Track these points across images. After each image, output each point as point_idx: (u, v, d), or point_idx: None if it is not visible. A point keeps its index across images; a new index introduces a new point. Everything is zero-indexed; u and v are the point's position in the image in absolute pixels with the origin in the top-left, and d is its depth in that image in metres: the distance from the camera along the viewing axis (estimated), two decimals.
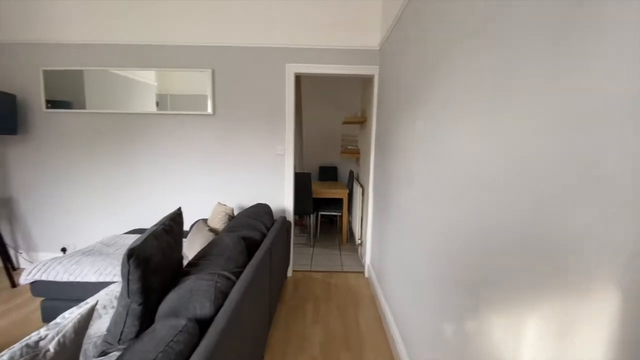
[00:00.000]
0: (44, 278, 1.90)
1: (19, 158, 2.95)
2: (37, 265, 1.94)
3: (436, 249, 1.30)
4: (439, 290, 1.26)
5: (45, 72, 2.82)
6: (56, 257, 2.03)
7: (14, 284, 2.66)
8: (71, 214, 3.00)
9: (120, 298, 1.21)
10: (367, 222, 3.12)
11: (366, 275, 3.07)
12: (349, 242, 4.14)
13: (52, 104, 2.86)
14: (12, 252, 3.04)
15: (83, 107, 2.85)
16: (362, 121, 3.94)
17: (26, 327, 2.10)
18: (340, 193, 3.97)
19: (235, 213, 2.80)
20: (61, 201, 2.99)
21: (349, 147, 4.58)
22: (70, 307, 1.95)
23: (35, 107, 2.88)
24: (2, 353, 1.21)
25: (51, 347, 0.74)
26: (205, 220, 2.47)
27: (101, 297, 1.62)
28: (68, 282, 1.91)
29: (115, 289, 1.68)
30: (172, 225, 1.49)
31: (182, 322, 1.03)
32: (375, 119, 2.88)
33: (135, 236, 2.54)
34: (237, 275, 1.52)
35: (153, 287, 1.25)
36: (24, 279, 1.89)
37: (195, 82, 2.84)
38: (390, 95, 2.26)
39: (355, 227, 3.82)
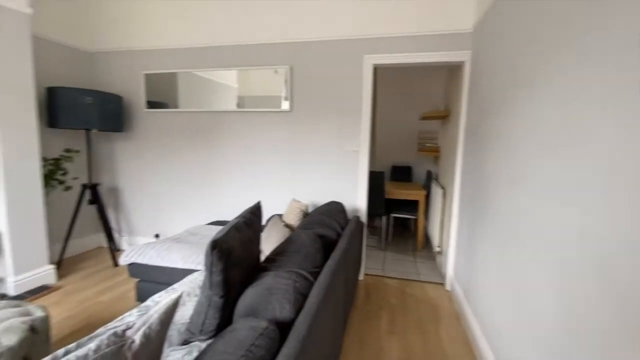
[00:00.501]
0: (139, 261, 2.07)
1: (124, 152, 3.36)
2: (133, 249, 2.13)
3: (585, 284, 0.99)
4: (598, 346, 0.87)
5: (146, 76, 3.14)
6: (150, 242, 2.21)
7: (116, 264, 3.03)
8: (163, 203, 3.31)
9: (202, 288, 1.20)
10: (449, 228, 2.78)
11: (448, 287, 2.73)
12: (425, 248, 3.79)
13: (151, 104, 3.18)
14: (115, 235, 3.48)
15: (176, 107, 3.11)
16: (444, 116, 3.57)
17: (123, 303, 2.33)
18: (416, 194, 3.66)
19: (309, 210, 2.74)
20: (156, 191, 3.31)
21: (427, 145, 4.22)
22: (160, 290, 2.09)
23: (137, 107, 3.24)
24: (95, 335, 1.30)
25: (137, 339, 0.71)
26: (280, 216, 2.46)
27: (185, 284, 1.67)
28: (159, 266, 2.05)
29: (198, 278, 1.73)
30: (252, 219, 1.45)
31: (263, 324, 0.95)
32: (465, 112, 2.54)
33: (217, 227, 2.66)
34: (314, 275, 1.41)
35: (233, 280, 1.21)
36: (122, 260, 2.09)
37: (271, 83, 2.88)
38: (493, 81, 1.93)
39: (433, 233, 3.48)
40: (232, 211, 3.12)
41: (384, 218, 3.80)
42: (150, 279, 2.11)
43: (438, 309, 2.41)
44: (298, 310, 1.10)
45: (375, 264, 3.26)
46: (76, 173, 3.19)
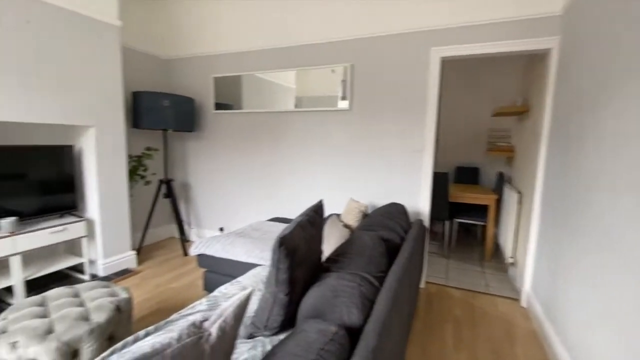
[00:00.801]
0: (206, 252, 2.19)
1: (194, 151, 3.62)
2: (202, 241, 2.26)
3: None
4: None
5: (215, 79, 3.35)
6: (216, 236, 2.33)
7: (185, 253, 3.27)
8: (228, 199, 3.49)
9: (267, 284, 1.20)
10: (527, 237, 2.48)
11: (524, 304, 2.43)
12: (494, 258, 3.45)
13: (218, 106, 3.38)
14: (185, 227, 3.77)
15: (240, 108, 3.26)
16: (522, 111, 3.20)
17: (192, 291, 2.50)
18: (485, 198, 3.34)
19: (369, 211, 2.65)
20: (221, 187, 3.51)
21: (498, 144, 3.84)
22: (225, 281, 2.19)
23: (207, 108, 3.47)
24: (170, 320, 1.38)
25: (213, 332, 0.71)
26: (338, 216, 2.42)
27: (249, 278, 1.71)
28: (224, 258, 2.15)
29: (261, 272, 1.76)
30: (316, 218, 1.42)
31: (332, 328, 0.90)
32: (551, 106, 2.23)
33: (277, 224, 2.72)
34: (379, 280, 1.33)
35: (298, 279, 1.20)
36: (192, 251, 2.24)
37: (328, 83, 2.87)
38: (595, 70, 1.65)
39: (505, 242, 3.14)
40: (290, 209, 3.17)
41: (446, 223, 3.55)
42: (216, 270, 2.22)
43: (512, 327, 2.15)
44: (366, 317, 1.04)
45: (437, 271, 3.05)
46: (154, 169, 3.53)
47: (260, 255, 2.06)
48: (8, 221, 2.09)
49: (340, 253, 1.48)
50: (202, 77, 3.45)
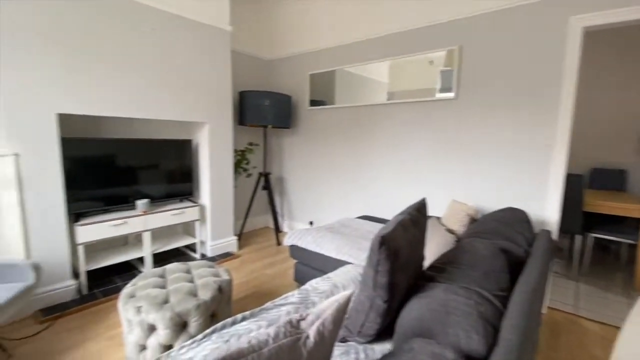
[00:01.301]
0: (298, 244, 2.21)
1: (289, 146, 3.77)
2: (295, 232, 2.30)
3: None
4: None
5: (311, 76, 3.41)
6: (308, 229, 2.34)
7: (279, 243, 3.43)
8: (318, 193, 3.53)
9: (363, 286, 1.08)
10: None
11: None
12: None
13: (313, 102, 3.43)
14: (279, 218, 3.96)
15: (333, 103, 3.24)
16: None
17: (283, 280, 2.57)
18: (636, 210, 2.56)
19: (478, 216, 2.30)
20: (313, 182, 3.57)
21: None
22: (314, 274, 2.17)
23: (302, 105, 3.56)
24: (264, 308, 1.38)
25: (311, 335, 0.63)
26: (438, 218, 2.15)
27: (339, 275, 1.63)
28: (314, 252, 2.13)
29: (352, 271, 1.67)
30: (418, 217, 1.24)
31: (449, 355, 0.73)
32: None
33: (366, 222, 2.60)
34: (501, 300, 1.08)
35: (398, 285, 1.05)
36: (285, 241, 2.29)
37: (424, 76, 2.61)
38: None
39: None
40: (379, 207, 3.01)
41: (576, 237, 2.86)
42: (306, 263, 2.22)
43: None
44: (490, 347, 0.82)
45: (563, 296, 2.47)
46: (255, 163, 3.81)
47: (349, 253, 1.97)
48: (143, 202, 2.50)
49: (447, 261, 1.26)
50: (299, 74, 3.55)
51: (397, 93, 2.79)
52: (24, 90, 1.90)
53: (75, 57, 2.06)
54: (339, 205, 3.35)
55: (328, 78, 3.28)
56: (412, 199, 2.79)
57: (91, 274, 2.50)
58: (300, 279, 2.27)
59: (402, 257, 1.04)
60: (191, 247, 3.11)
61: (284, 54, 3.67)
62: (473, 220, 1.98)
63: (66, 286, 2.14)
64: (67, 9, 2.00)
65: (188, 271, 1.78)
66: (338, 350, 1.11)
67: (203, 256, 3.00)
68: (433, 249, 1.71)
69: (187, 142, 2.85)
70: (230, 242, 3.16)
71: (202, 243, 3.06)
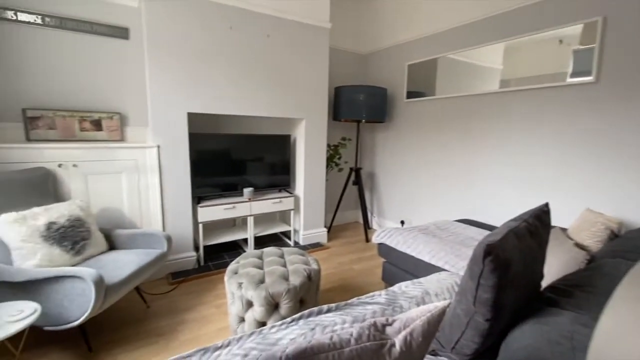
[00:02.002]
0: (387, 243, 2.13)
1: (382, 141, 3.67)
2: (384, 230, 2.22)
3: None
4: None
5: (410, 67, 3.22)
6: (398, 228, 2.23)
7: (367, 239, 3.39)
8: (411, 191, 3.34)
9: (460, 298, 0.96)
10: None
11: None
12: None
13: (410, 94, 3.25)
14: (369, 215, 3.92)
15: (433, 94, 3.00)
16: None
17: (370, 277, 2.53)
18: None
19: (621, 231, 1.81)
20: (405, 179, 3.40)
21: None
22: (403, 276, 2.06)
23: (398, 98, 3.41)
24: (349, 303, 1.37)
25: (397, 344, 0.58)
26: (563, 230, 1.77)
27: (432, 282, 1.50)
28: (404, 253, 2.02)
29: (447, 279, 1.51)
30: (537, 227, 1.03)
31: None
32: None
33: (467, 227, 2.33)
34: None
35: (506, 303, 0.89)
36: (374, 239, 2.24)
37: (550, 59, 2.14)
38: None
39: None
40: (484, 211, 2.66)
41: None
42: (395, 263, 2.13)
43: None
44: None
45: None
46: (347, 158, 3.85)
47: (445, 259, 1.79)
48: (249, 190, 2.79)
49: (575, 284, 1.02)
50: (396, 66, 3.41)
51: (513, 80, 2.40)
52: (164, 94, 2.33)
53: (199, 65, 2.42)
54: (433, 205, 3.10)
55: (428, 67, 3.05)
56: (527, 205, 2.37)
57: (206, 249, 2.94)
58: (388, 279, 2.19)
59: (512, 271, 0.88)
60: (286, 234, 3.34)
61: (380, 46, 3.56)
62: (614, 236, 1.55)
63: (189, 257, 2.57)
64: (194, 24, 2.36)
65: (281, 256, 1.91)
66: None
67: (296, 244, 3.19)
68: (555, 267, 1.41)
69: (286, 137, 3.05)
70: (320, 234, 3.27)
71: (296, 231, 3.26)
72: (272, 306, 1.56)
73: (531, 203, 2.35)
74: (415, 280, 1.52)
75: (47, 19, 2.24)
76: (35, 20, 2.21)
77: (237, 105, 2.62)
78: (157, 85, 2.29)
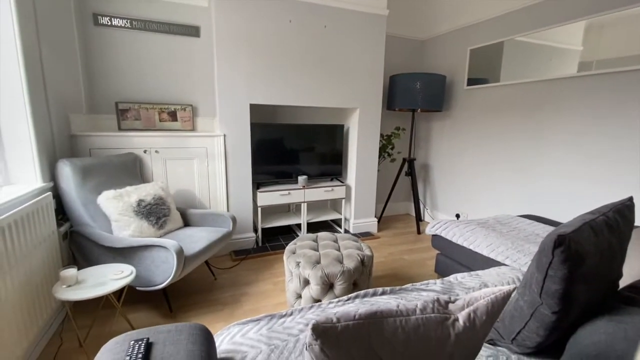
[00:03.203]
0: (442, 235, 2.10)
1: (439, 131, 3.54)
2: (439, 222, 2.18)
3: None
4: None
5: (472, 52, 3.04)
6: (453, 220, 2.18)
7: (419, 231, 3.33)
8: (469, 184, 3.20)
9: (525, 289, 0.94)
10: None
11: None
12: None
13: (471, 81, 3.07)
14: (421, 207, 3.83)
15: (497, 81, 2.81)
16: None
17: (422, 269, 2.51)
18: None
19: None
20: (464, 172, 3.26)
21: None
22: (458, 269, 2.02)
23: (458, 85, 3.25)
24: (404, 288, 1.39)
25: (461, 319, 0.61)
26: None
27: (491, 275, 1.46)
28: (461, 245, 1.98)
29: (508, 274, 1.46)
30: (618, 221, 0.96)
31: None
32: None
33: (532, 222, 2.18)
34: None
35: (577, 297, 0.86)
36: (428, 230, 2.21)
37: None
38: None
39: None
40: (551, 208, 2.45)
41: None
42: (449, 256, 2.09)
43: None
44: None
45: None
46: (400, 148, 3.79)
47: (505, 254, 1.71)
48: (303, 178, 2.92)
49: None
50: (457, 52, 3.24)
51: (595, 63, 2.15)
52: (230, 87, 2.52)
53: (261, 58, 2.56)
54: (493, 199, 2.93)
55: (493, 51, 2.84)
56: (602, 202, 2.14)
57: (263, 231, 3.14)
58: (442, 272, 2.16)
59: (586, 265, 0.84)
60: (337, 222, 3.43)
61: (439, 31, 3.40)
62: None
63: (249, 237, 2.79)
64: (257, 19, 2.50)
65: (335, 241, 1.99)
66: (485, 351, 1.02)
67: (346, 231, 3.26)
68: (637, 269, 1.28)
69: (339, 126, 3.11)
70: (370, 223, 3.30)
71: (346, 220, 3.33)
72: (327, 285, 1.65)
73: (605, 200, 2.11)
74: (472, 273, 1.50)
75: (134, 22, 2.55)
76: (125, 25, 2.53)
77: (294, 96, 2.73)
78: (224, 79, 2.49)
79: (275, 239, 3.00)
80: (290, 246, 1.92)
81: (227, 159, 2.61)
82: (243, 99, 2.57)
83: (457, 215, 3.34)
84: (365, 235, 3.18)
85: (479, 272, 1.51)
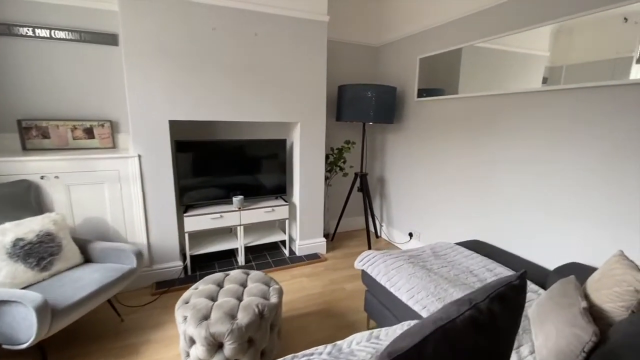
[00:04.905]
0: (368, 271, 1.88)
1: (394, 144, 3.32)
2: (368, 255, 1.97)
3: None
4: None
5: (422, 60, 2.82)
6: (383, 253, 1.96)
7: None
8: (423, 202, 2.99)
9: None
10: None
11: None
12: None
13: (424, 92, 2.85)
14: (377, 223, 3.62)
15: (456, 92, 2.55)
16: None
17: (355, 303, 2.29)
18: None
19: None
20: (417, 187, 3.05)
21: None
22: (383, 312, 1.81)
23: (409, 97, 3.03)
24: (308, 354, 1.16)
25: None
26: (578, 283, 1.39)
27: (391, 338, 1.24)
28: (383, 286, 1.76)
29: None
30: (495, 314, 0.74)
31: None
32: None
33: (470, 254, 1.97)
34: None
35: None
36: (357, 264, 1.99)
37: (608, 42, 1.65)
38: None
39: None
40: (502, 232, 2.26)
41: None
42: (376, 295, 1.87)
43: None
44: None
45: None
46: (353, 161, 3.56)
47: (424, 302, 1.50)
48: (238, 199, 2.68)
49: None
50: (407, 60, 3.02)
51: (563, 68, 1.88)
52: (144, 102, 2.25)
53: (180, 70, 2.30)
54: (448, 219, 2.73)
55: (451, 60, 2.58)
56: (546, 235, 1.95)
57: (196, 257, 2.88)
58: (370, 312, 1.94)
59: None
60: (285, 243, 3.20)
61: (392, 37, 3.18)
62: None
63: (175, 266, 2.54)
64: (173, 26, 2.23)
65: (244, 283, 1.76)
66: None
67: (292, 253, 3.03)
68: (549, 346, 1.07)
69: (281, 141, 2.87)
70: (319, 244, 3.08)
71: (293, 240, 3.10)
72: (215, 346, 1.42)
73: (548, 228, 1.92)
74: (372, 336, 1.28)
75: (37, 31, 2.26)
76: (27, 33, 2.24)
77: (224, 111, 2.48)
78: (137, 94, 2.23)
79: (209, 266, 2.76)
80: (187, 292, 1.67)
81: (144, 182, 2.34)
82: (160, 115, 2.31)
83: (410, 235, 3.14)
84: (312, 258, 2.95)
85: (382, 334, 1.29)
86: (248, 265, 2.77)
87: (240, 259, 2.79)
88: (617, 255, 1.32)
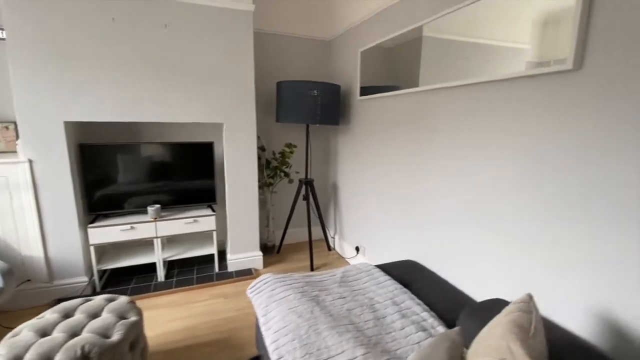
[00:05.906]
0: (253, 300, 1.58)
1: (341, 147, 3.01)
2: (262, 280, 1.67)
3: None
4: None
5: (363, 53, 2.50)
6: (284, 276, 1.66)
7: (312, 268, 2.81)
8: (367, 212, 2.66)
9: None
10: None
11: None
12: None
13: (367, 90, 2.52)
14: (328, 233, 3.30)
15: (416, 85, 2.12)
16: None
17: (251, 334, 1.98)
18: None
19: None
20: (363, 196, 2.72)
21: None
22: (261, 351, 1.50)
23: (352, 95, 2.71)
24: None
25: None
26: (460, 340, 1.06)
27: None
28: (259, 321, 1.45)
29: None
30: None
31: None
32: None
33: (387, 282, 1.65)
34: None
35: None
36: (248, 291, 1.69)
37: (509, 27, 1.28)
38: None
39: None
40: (437, 254, 1.92)
41: None
42: (259, 330, 1.56)
43: None
44: None
45: None
46: (298, 167, 3.25)
47: (281, 352, 1.19)
48: (153, 208, 2.42)
49: None
50: (350, 55, 2.71)
51: (552, 63, 1.51)
52: (33, 101, 2.03)
53: (76, 66, 2.07)
54: (390, 232, 2.39)
55: (409, 51, 2.16)
56: (491, 260, 1.60)
57: (118, 271, 2.64)
58: (260, 348, 1.64)
59: None
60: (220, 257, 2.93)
61: (339, 30, 2.87)
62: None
63: (79, 282, 2.30)
64: (65, 16, 2.00)
65: (96, 314, 1.49)
66: None
67: (222, 269, 2.75)
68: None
69: (207, 145, 2.60)
70: (253, 259, 2.79)
71: (223, 255, 2.82)
72: None
73: (491, 255, 1.57)
74: None
75: None
76: None
77: (132, 111, 2.23)
78: (24, 92, 2.00)
79: (126, 281, 2.51)
80: (25, 323, 1.42)
81: (38, 190, 2.12)
82: (53, 116, 2.08)
83: (357, 249, 2.81)
84: (243, 274, 2.67)
85: None
86: (168, 282, 2.51)
87: (160, 274, 2.53)
88: (517, 302, 0.99)
